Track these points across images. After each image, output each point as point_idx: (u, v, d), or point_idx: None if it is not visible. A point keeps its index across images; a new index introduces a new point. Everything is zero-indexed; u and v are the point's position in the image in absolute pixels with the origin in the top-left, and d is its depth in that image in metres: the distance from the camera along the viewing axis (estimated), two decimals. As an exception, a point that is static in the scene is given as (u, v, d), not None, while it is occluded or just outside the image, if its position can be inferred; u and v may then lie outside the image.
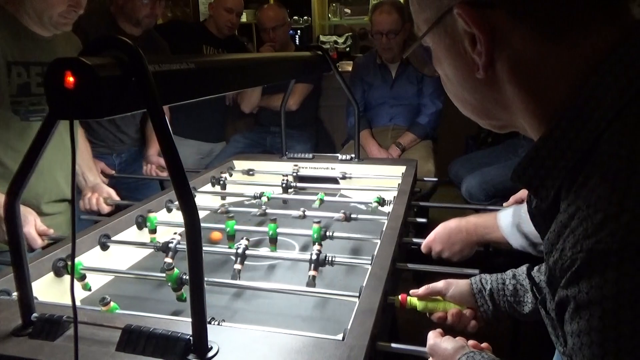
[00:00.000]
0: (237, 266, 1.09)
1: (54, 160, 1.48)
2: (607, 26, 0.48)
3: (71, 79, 0.60)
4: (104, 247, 1.21)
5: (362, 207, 1.50)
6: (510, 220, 1.11)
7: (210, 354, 0.70)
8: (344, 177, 1.80)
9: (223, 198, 1.67)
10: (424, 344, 0.81)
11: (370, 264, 1.03)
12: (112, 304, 0.91)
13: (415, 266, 1.16)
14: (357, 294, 0.91)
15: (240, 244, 1.11)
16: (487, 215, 1.19)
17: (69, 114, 0.63)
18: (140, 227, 1.34)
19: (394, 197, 1.46)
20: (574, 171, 0.48)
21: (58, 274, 1.07)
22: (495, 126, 0.61)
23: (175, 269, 0.99)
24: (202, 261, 0.68)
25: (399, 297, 0.97)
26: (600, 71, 0.47)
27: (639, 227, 0.40)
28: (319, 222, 1.21)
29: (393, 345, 0.82)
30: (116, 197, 1.63)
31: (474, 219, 1.20)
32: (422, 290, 0.96)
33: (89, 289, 1.10)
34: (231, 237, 1.25)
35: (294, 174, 1.83)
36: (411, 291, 0.98)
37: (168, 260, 1.10)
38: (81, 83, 0.60)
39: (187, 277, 0.95)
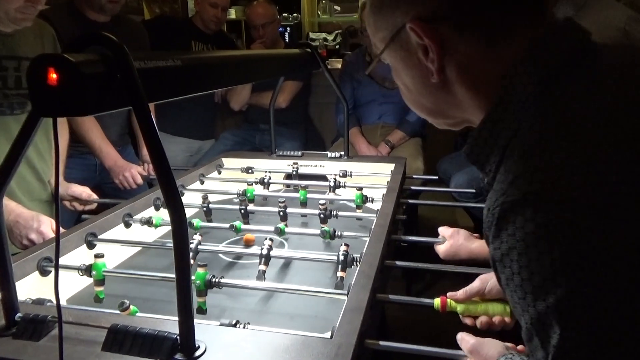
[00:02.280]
0: (262, 267, 1.08)
1: (24, 159, 1.43)
2: (530, 29, 0.57)
3: (54, 75, 0.58)
4: (90, 246, 1.20)
5: (352, 204, 1.51)
6: None
7: (197, 353, 0.70)
8: (337, 186, 1.66)
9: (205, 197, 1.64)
10: (413, 341, 0.81)
11: (359, 262, 1.03)
12: (131, 307, 0.89)
13: (404, 263, 1.16)
14: (346, 292, 0.91)
15: (264, 245, 1.10)
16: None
17: (52, 112, 0.62)
18: (127, 226, 1.33)
19: (383, 194, 1.46)
20: (507, 147, 0.56)
21: (43, 273, 1.06)
22: (451, 124, 0.70)
23: (202, 269, 0.96)
24: (189, 259, 0.68)
25: (439, 300, 0.94)
26: (518, 66, 0.56)
27: (540, 180, 0.48)
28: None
29: (381, 342, 0.81)
30: (94, 195, 1.62)
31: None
32: (460, 293, 0.94)
33: (102, 299, 1.03)
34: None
35: (293, 172, 1.82)
36: (449, 294, 0.95)
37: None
38: (64, 80, 0.59)
39: (217, 280, 0.96)
